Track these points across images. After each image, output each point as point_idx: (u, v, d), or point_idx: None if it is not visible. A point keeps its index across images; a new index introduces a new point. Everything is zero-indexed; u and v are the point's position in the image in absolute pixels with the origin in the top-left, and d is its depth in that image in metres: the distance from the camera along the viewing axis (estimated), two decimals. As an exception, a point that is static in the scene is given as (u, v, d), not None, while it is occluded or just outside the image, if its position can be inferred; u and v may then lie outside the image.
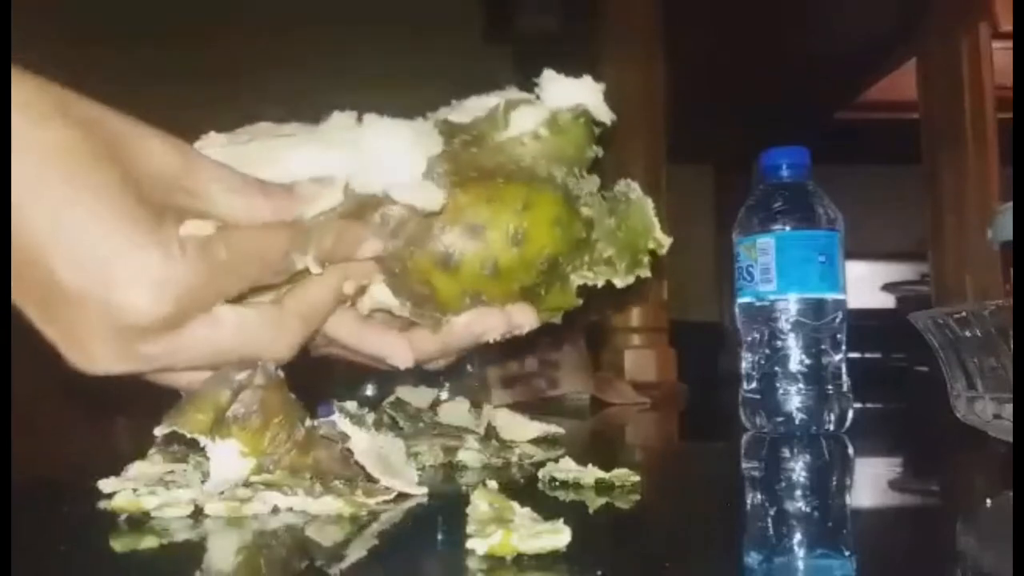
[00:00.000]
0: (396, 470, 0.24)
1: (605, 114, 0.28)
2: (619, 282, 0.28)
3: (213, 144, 0.26)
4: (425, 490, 0.24)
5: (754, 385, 0.41)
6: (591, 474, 0.26)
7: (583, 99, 0.27)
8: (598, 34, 0.82)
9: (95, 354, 0.21)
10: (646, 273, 0.29)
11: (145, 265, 0.21)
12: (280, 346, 0.24)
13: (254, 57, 1.32)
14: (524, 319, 0.28)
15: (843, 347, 0.40)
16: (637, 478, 0.26)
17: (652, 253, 0.29)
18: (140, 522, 0.21)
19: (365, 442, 0.23)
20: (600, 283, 0.28)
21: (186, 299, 0.22)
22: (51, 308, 0.21)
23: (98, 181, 0.21)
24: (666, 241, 0.28)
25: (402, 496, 0.23)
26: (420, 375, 0.39)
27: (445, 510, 0.23)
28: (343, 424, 0.24)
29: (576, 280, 0.28)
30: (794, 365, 0.39)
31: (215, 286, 0.22)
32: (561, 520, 0.19)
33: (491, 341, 0.28)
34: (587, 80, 0.27)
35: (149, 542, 0.20)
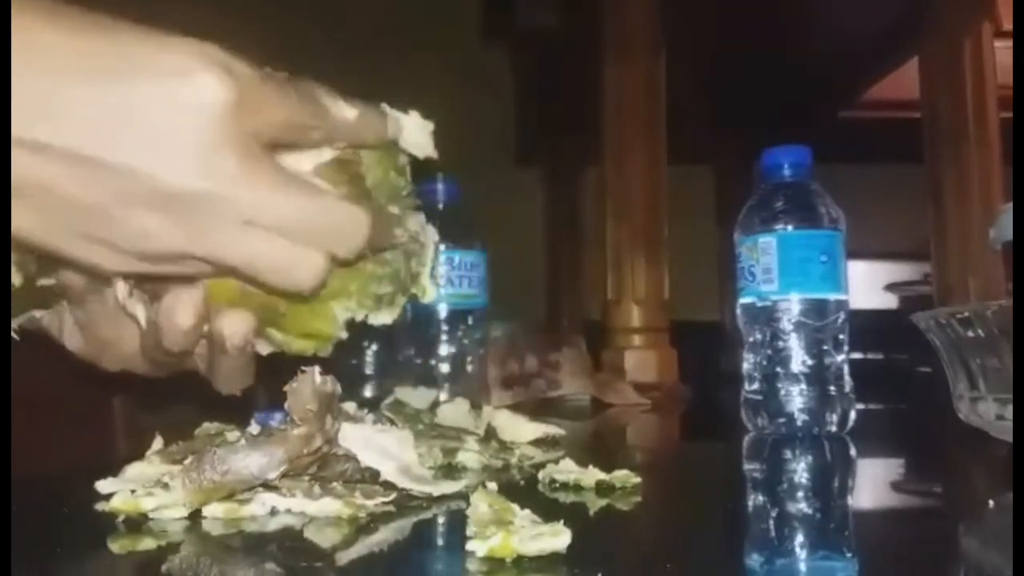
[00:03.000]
0: (402, 462, 0.24)
1: (420, 149, 0.26)
2: (374, 320, 0.26)
3: None
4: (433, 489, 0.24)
5: (756, 386, 0.41)
6: (591, 476, 0.26)
7: (400, 132, 0.26)
8: (598, 33, 0.82)
9: (176, 155, 0.20)
10: (395, 315, 0.27)
11: (206, 50, 0.20)
12: (357, 225, 0.22)
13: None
14: (234, 326, 0.25)
15: (845, 347, 0.40)
16: (638, 480, 0.26)
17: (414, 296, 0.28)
18: (138, 523, 0.21)
19: (354, 431, 0.23)
20: (359, 318, 0.26)
21: (251, 99, 0.20)
22: (125, 131, 0.20)
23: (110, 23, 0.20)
24: (431, 292, 0.27)
25: (401, 498, 0.23)
26: (420, 376, 0.39)
27: (445, 512, 0.23)
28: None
29: (340, 311, 0.26)
30: (796, 366, 0.39)
31: (278, 99, 0.21)
32: (561, 522, 0.19)
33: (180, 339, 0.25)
34: (413, 117, 0.26)
35: (147, 543, 0.20)
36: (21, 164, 0.20)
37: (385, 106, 0.26)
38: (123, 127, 0.20)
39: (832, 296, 0.39)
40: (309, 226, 0.22)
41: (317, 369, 0.23)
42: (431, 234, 0.27)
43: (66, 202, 0.20)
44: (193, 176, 0.20)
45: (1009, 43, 0.79)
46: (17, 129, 0.19)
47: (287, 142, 0.23)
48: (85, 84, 0.20)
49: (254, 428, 0.24)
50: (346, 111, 0.24)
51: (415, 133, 0.26)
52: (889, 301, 1.15)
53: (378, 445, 0.23)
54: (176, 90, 0.20)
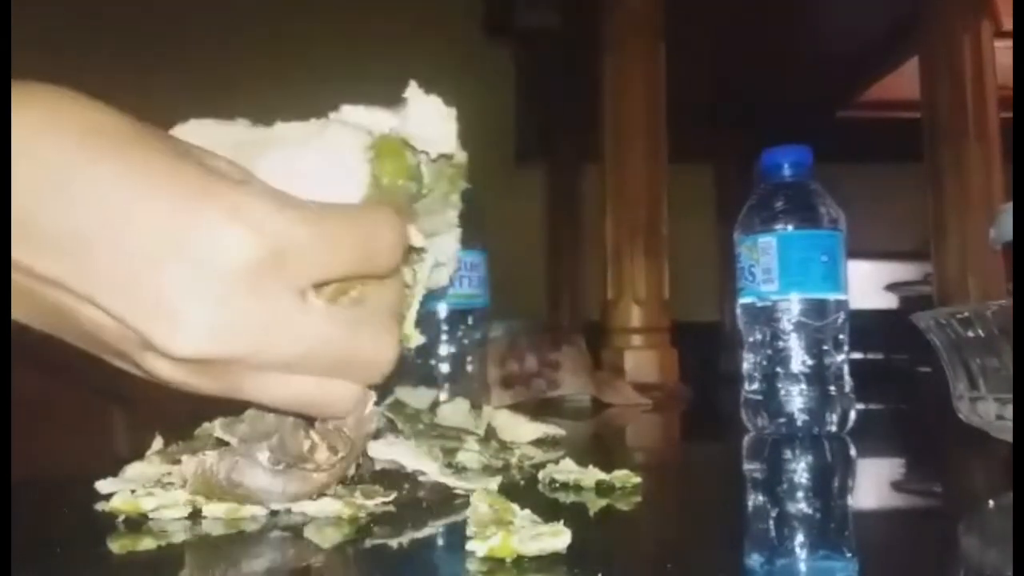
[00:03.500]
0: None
1: (442, 146, 0.24)
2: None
3: (202, 127, 0.24)
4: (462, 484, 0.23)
5: (756, 386, 0.41)
6: (591, 476, 0.26)
7: (413, 127, 0.24)
8: (598, 32, 0.82)
9: (187, 320, 0.18)
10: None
11: (236, 203, 0.18)
12: (384, 352, 0.21)
13: (251, 52, 1.32)
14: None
15: (845, 347, 0.40)
16: (638, 480, 0.26)
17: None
18: (138, 523, 0.21)
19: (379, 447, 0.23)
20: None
21: (288, 255, 0.18)
22: (128, 286, 0.18)
23: (147, 148, 0.18)
24: (415, 340, 0.25)
25: (401, 498, 0.23)
26: (420, 376, 0.39)
27: (444, 512, 0.23)
28: None
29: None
30: (796, 366, 0.39)
31: (325, 253, 0.19)
32: (561, 522, 0.19)
33: None
34: (436, 104, 0.24)
35: (147, 543, 0.20)
36: (45, 294, 0.19)
37: (413, 90, 0.24)
38: (124, 278, 0.18)
39: (832, 296, 0.39)
40: (340, 368, 0.21)
41: (372, 397, 0.22)
42: (421, 277, 0.26)
43: (90, 333, 0.19)
44: (199, 346, 0.18)
45: (1009, 43, 0.79)
46: (41, 263, 0.18)
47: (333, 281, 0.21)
48: (98, 225, 0.18)
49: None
50: (414, 238, 0.22)
51: (428, 124, 0.24)
52: (889, 301, 1.15)
53: (404, 451, 0.23)
54: (191, 248, 0.18)
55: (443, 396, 0.43)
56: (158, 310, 0.18)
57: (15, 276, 0.19)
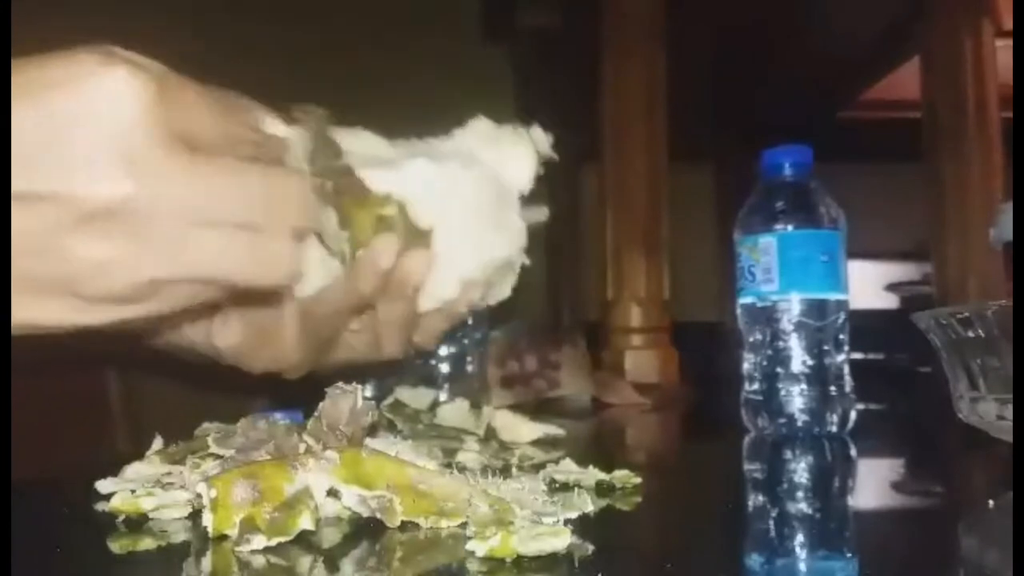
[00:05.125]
0: None
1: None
2: None
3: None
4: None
5: (756, 386, 0.41)
6: (592, 476, 0.26)
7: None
8: (599, 33, 0.82)
9: (104, 166, 0.18)
10: None
11: (109, 53, 0.19)
12: (296, 186, 0.21)
13: (250, 55, 1.32)
14: (417, 263, 0.26)
15: (845, 348, 0.40)
16: (638, 480, 0.26)
17: None
18: (138, 523, 0.21)
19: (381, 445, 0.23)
20: None
21: (170, 94, 0.19)
22: (45, 159, 0.18)
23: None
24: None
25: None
26: (420, 376, 0.39)
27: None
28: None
29: None
30: (796, 366, 0.39)
31: (200, 97, 0.20)
32: (561, 522, 0.19)
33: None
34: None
35: (147, 543, 0.20)
36: None
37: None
38: (39, 152, 0.18)
39: (832, 296, 0.39)
40: (258, 204, 0.20)
41: (360, 390, 0.22)
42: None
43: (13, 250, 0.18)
44: (118, 182, 0.18)
45: (1010, 42, 0.79)
46: None
47: (215, 149, 0.21)
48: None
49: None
50: (278, 127, 0.23)
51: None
52: (889, 301, 1.15)
53: (403, 451, 0.24)
54: (86, 97, 0.18)
55: (443, 396, 0.43)
56: (70, 166, 0.18)
57: None
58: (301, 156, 0.25)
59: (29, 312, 0.20)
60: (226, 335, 0.26)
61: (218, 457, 0.21)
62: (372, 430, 0.24)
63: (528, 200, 0.28)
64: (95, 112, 0.18)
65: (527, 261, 0.29)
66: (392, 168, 0.26)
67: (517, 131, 0.28)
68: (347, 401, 0.22)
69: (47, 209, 0.18)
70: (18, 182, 0.18)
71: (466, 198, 0.27)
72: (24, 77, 0.19)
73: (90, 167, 0.18)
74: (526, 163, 0.28)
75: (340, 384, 0.22)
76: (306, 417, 0.24)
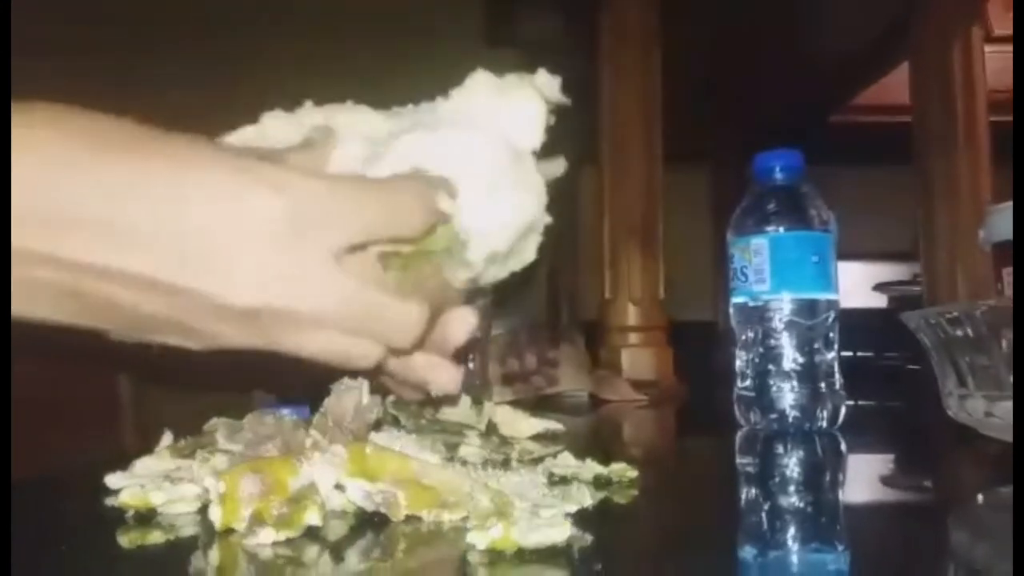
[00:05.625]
0: None
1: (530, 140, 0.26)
2: None
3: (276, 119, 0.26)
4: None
5: (748, 383, 0.41)
6: (589, 469, 0.26)
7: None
8: (596, 37, 0.82)
9: (239, 275, 0.21)
10: None
11: (260, 171, 0.22)
12: (410, 316, 0.24)
13: (252, 59, 1.32)
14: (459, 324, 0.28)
15: (836, 346, 0.40)
16: (635, 473, 0.26)
17: None
18: (147, 518, 0.22)
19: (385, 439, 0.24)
20: None
21: (312, 213, 0.22)
22: (189, 258, 0.21)
23: (166, 142, 0.22)
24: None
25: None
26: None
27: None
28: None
29: None
30: (788, 363, 0.40)
31: (347, 210, 0.22)
32: (561, 514, 0.19)
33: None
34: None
35: (156, 538, 0.20)
36: (83, 285, 0.21)
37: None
38: (184, 250, 0.21)
39: (823, 296, 0.40)
40: (367, 326, 0.23)
41: (366, 386, 0.23)
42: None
43: (137, 315, 0.22)
44: (252, 295, 0.22)
45: (999, 48, 0.80)
46: (79, 252, 0.20)
47: (366, 244, 0.23)
48: (144, 210, 0.21)
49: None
50: (444, 203, 0.24)
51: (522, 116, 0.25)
52: (879, 301, 1.16)
53: (406, 445, 0.24)
54: (229, 213, 0.21)
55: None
56: (213, 271, 0.21)
57: (58, 276, 0.21)
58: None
59: (153, 337, 0.23)
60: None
61: (227, 452, 0.22)
62: (376, 425, 0.24)
63: (542, 153, 0.27)
64: (234, 228, 0.21)
65: (550, 219, 0.28)
66: (393, 147, 0.25)
67: (521, 79, 0.26)
68: (352, 397, 0.22)
69: (184, 301, 0.22)
70: (155, 271, 0.21)
71: (481, 164, 0.25)
72: (173, 171, 0.21)
73: (227, 277, 0.22)
74: (536, 113, 0.26)
75: (345, 380, 0.23)
76: (312, 412, 0.24)
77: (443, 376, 0.28)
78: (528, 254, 0.28)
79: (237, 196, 0.21)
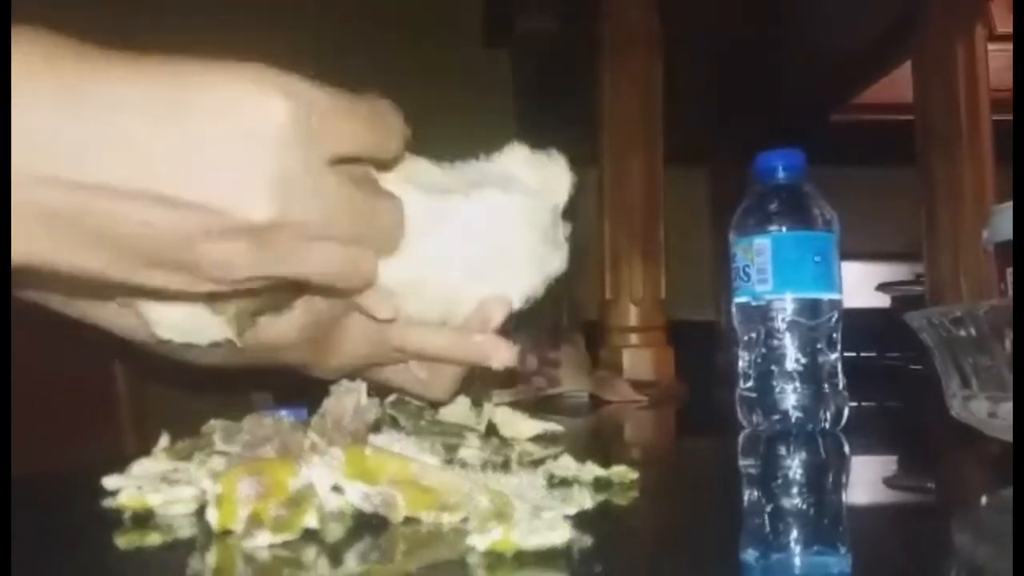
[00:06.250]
0: None
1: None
2: None
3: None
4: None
5: (751, 383, 0.41)
6: (590, 471, 0.26)
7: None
8: (597, 38, 0.82)
9: (258, 188, 0.20)
10: None
11: (262, 74, 0.21)
12: (396, 216, 0.25)
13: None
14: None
15: (838, 346, 0.40)
16: (635, 475, 0.26)
17: None
18: (144, 519, 0.22)
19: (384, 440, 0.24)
20: None
21: (317, 121, 0.21)
22: (195, 170, 0.20)
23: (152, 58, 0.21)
24: None
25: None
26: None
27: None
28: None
29: None
30: (790, 364, 0.39)
31: (346, 121, 0.22)
32: (561, 516, 0.19)
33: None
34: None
35: (153, 539, 0.20)
36: (85, 206, 0.19)
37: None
38: (191, 162, 0.20)
39: (826, 296, 0.40)
40: (365, 230, 0.24)
41: (365, 387, 0.23)
42: None
43: (141, 238, 0.20)
44: (267, 208, 0.21)
45: (1002, 47, 0.80)
46: (80, 171, 0.19)
47: (357, 159, 0.24)
48: (147, 122, 0.20)
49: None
50: (405, 128, 0.25)
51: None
52: (882, 301, 1.15)
53: (406, 447, 0.24)
54: (238, 120, 0.20)
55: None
56: (226, 184, 0.20)
57: (59, 198, 0.19)
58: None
59: (141, 278, 0.22)
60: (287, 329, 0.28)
61: (224, 454, 0.22)
62: (376, 427, 0.24)
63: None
64: (245, 136, 0.20)
65: (566, 268, 0.32)
66: (464, 197, 0.28)
67: (551, 154, 0.31)
68: (351, 398, 0.22)
69: (193, 216, 0.20)
70: (160, 185, 0.20)
71: (531, 220, 0.29)
72: (178, 83, 0.20)
73: (239, 189, 0.20)
74: (564, 183, 0.31)
75: (344, 381, 0.23)
76: (310, 414, 0.24)
77: (502, 351, 0.30)
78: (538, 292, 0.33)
79: (246, 102, 0.20)
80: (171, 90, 0.20)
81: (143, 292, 0.24)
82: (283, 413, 0.24)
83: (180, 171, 0.20)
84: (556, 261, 0.31)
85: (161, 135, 0.20)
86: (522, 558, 0.18)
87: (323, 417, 0.22)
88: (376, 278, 0.25)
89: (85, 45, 0.20)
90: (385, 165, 0.26)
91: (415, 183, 0.27)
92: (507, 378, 0.58)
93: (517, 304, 0.31)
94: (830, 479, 0.32)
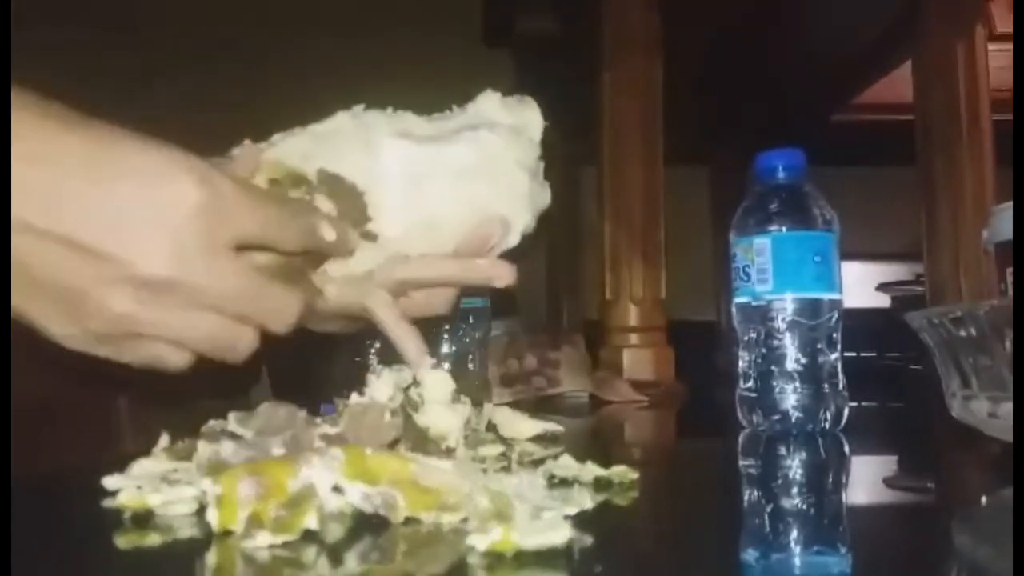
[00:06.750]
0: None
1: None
2: None
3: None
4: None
5: (751, 383, 0.41)
6: (590, 471, 0.26)
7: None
8: (597, 38, 0.82)
9: (157, 247, 0.24)
10: None
11: (186, 159, 0.25)
12: (288, 305, 0.28)
13: (252, 63, 1.32)
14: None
15: (838, 346, 0.40)
16: (635, 475, 0.26)
17: None
18: (144, 519, 0.22)
19: (385, 386, 0.25)
20: None
21: (223, 207, 0.25)
22: (111, 224, 0.24)
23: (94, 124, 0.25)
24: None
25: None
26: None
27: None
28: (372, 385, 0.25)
29: None
30: (790, 364, 0.39)
31: (250, 212, 0.26)
32: (561, 516, 0.19)
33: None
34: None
35: (153, 539, 0.20)
36: (18, 245, 0.23)
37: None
38: (111, 220, 0.24)
39: (826, 296, 0.40)
40: (250, 310, 0.27)
41: (390, 409, 0.25)
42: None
43: (52, 281, 0.24)
44: (165, 266, 0.24)
45: (1002, 47, 0.80)
46: (20, 211, 0.22)
47: (258, 245, 0.27)
48: (84, 181, 0.23)
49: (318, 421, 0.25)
50: (326, 233, 0.29)
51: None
52: (882, 301, 1.15)
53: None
54: (157, 193, 0.24)
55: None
56: (135, 240, 0.24)
57: (24, 247, 0.23)
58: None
59: (46, 321, 0.25)
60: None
61: (236, 437, 0.22)
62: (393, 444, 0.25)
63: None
64: (160, 207, 0.24)
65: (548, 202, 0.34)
66: (456, 141, 0.30)
67: (523, 99, 0.33)
68: (375, 415, 0.22)
69: (100, 265, 0.24)
70: (82, 234, 0.23)
71: (521, 160, 0.31)
72: (116, 153, 0.24)
73: (145, 247, 0.24)
74: (537, 123, 0.33)
75: (359, 400, 0.23)
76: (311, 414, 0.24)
77: (504, 271, 0.33)
78: (544, 199, 0.34)
79: (168, 179, 0.24)
80: (109, 159, 0.24)
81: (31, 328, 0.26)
82: (329, 409, 0.25)
83: (96, 223, 0.23)
84: (544, 196, 0.33)
85: (87, 190, 0.23)
86: (522, 558, 0.18)
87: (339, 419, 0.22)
88: (252, 350, 0.28)
89: (51, 103, 0.24)
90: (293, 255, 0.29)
91: (408, 136, 0.30)
92: (507, 378, 0.58)
93: (515, 239, 0.33)
94: (830, 479, 0.32)
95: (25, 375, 0.29)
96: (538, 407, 0.53)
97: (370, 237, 0.31)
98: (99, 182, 0.24)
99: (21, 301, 0.24)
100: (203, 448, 0.22)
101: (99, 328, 0.25)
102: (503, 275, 0.33)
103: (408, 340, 0.32)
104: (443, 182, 0.30)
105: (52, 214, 0.23)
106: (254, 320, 0.27)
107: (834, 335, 0.40)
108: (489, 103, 0.32)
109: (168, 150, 0.25)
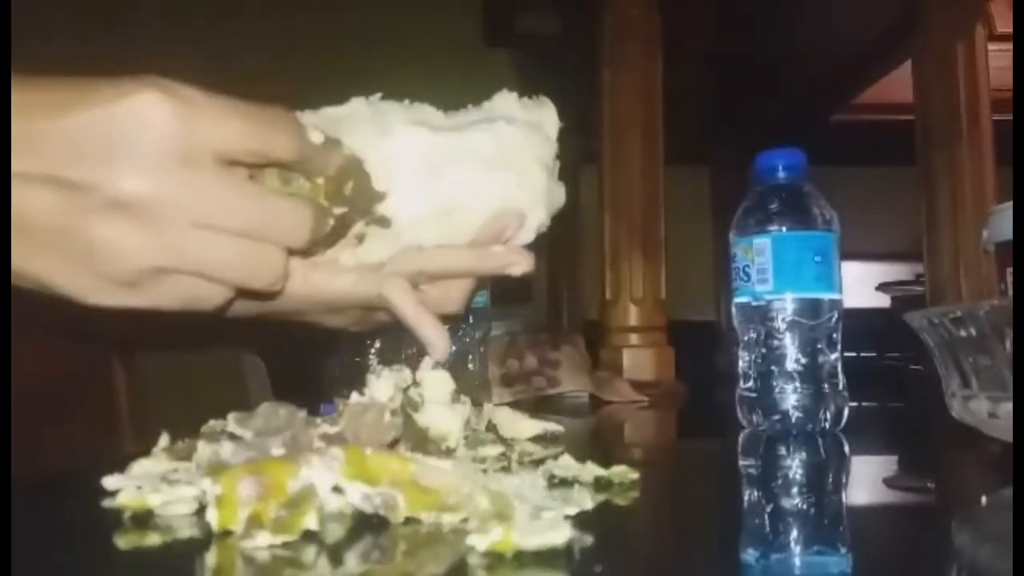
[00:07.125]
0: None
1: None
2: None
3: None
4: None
5: (751, 383, 0.41)
6: (590, 471, 0.26)
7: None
8: (597, 37, 0.82)
9: (134, 166, 0.22)
10: None
11: (148, 79, 0.23)
12: (303, 215, 0.25)
13: (252, 61, 1.32)
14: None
15: (839, 346, 0.40)
16: (635, 475, 0.26)
17: None
18: (144, 519, 0.22)
19: (384, 385, 0.24)
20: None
21: (195, 115, 0.23)
22: (82, 154, 0.22)
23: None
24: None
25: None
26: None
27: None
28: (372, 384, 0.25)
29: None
30: (790, 364, 0.39)
31: (227, 118, 0.24)
32: (561, 517, 0.19)
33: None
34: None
35: (153, 539, 0.20)
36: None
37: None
38: (81, 149, 0.23)
39: (826, 296, 0.40)
40: (258, 223, 0.24)
41: (390, 409, 0.24)
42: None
43: (41, 226, 0.23)
44: (139, 183, 0.23)
45: (1002, 46, 0.80)
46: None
47: (247, 161, 0.25)
48: (49, 119, 0.23)
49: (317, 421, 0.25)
50: (314, 136, 0.27)
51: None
52: (882, 301, 1.16)
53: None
54: (119, 110, 0.23)
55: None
56: (101, 161, 0.23)
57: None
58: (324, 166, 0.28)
59: (53, 274, 0.24)
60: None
61: (235, 437, 0.22)
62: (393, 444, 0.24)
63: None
64: (126, 124, 0.23)
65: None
66: (475, 131, 0.30)
67: (539, 99, 0.33)
68: (375, 414, 0.22)
69: (79, 194, 0.22)
70: (62, 170, 0.23)
71: (539, 155, 0.31)
72: (79, 90, 0.23)
73: (118, 167, 0.23)
74: (554, 123, 0.33)
75: (359, 399, 0.23)
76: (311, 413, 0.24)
77: (521, 259, 0.32)
78: (559, 199, 0.34)
79: (130, 94, 0.23)
80: (72, 96, 0.23)
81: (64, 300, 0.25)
82: (330, 410, 0.25)
83: (70, 156, 0.22)
84: (560, 196, 0.33)
85: (58, 129, 0.23)
86: (522, 558, 0.18)
87: (338, 419, 0.22)
88: (287, 275, 0.26)
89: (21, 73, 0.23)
90: (291, 167, 0.26)
91: (425, 125, 0.29)
92: (507, 378, 0.58)
93: (530, 235, 0.32)
94: (830, 479, 0.32)
95: (24, 361, 0.28)
96: (538, 407, 0.53)
97: (384, 223, 0.29)
98: (63, 116, 0.23)
99: (22, 261, 0.23)
100: (203, 448, 0.22)
101: (109, 270, 0.23)
102: (521, 262, 0.32)
103: (427, 326, 0.30)
104: (461, 170, 0.30)
105: (29, 156, 0.22)
106: (268, 235, 0.24)
107: (834, 335, 0.40)
108: (505, 102, 0.32)
109: (130, 77, 0.23)
